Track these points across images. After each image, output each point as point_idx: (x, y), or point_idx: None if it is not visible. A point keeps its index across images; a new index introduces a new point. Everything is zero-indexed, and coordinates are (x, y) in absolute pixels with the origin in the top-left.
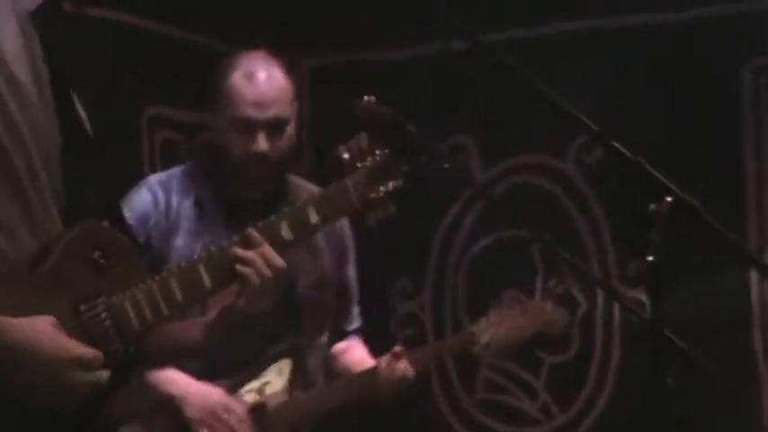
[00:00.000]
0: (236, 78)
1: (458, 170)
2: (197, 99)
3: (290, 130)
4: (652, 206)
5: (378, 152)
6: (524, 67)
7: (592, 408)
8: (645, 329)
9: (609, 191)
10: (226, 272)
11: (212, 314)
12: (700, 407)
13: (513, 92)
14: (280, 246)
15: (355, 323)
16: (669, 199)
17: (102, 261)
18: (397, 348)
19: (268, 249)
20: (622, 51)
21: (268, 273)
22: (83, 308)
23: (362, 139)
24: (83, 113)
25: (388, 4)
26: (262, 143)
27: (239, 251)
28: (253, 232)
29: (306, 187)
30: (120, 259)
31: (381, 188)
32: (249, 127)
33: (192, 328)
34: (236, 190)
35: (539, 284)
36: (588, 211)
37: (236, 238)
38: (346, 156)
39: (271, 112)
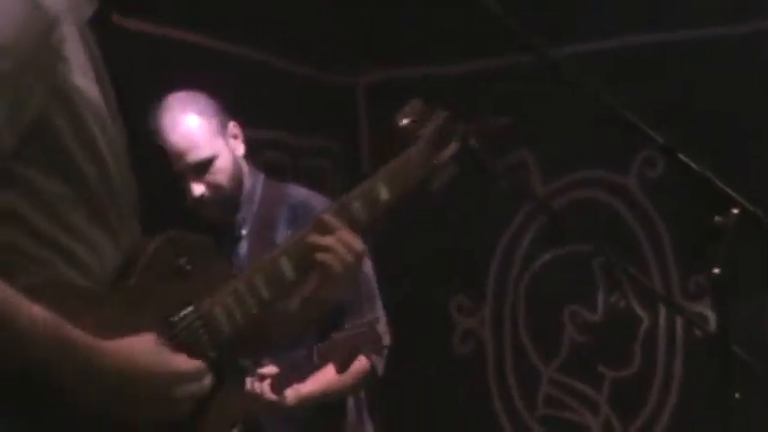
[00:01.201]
0: (161, 132)
1: (518, 185)
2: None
3: (220, 161)
4: (717, 218)
5: (434, 116)
6: (588, 80)
7: (655, 423)
8: (709, 344)
9: (671, 204)
10: (306, 261)
11: (293, 305)
12: (766, 423)
13: (574, 105)
14: (355, 227)
15: None
16: (735, 211)
17: (187, 267)
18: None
19: (345, 233)
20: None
21: (349, 258)
22: (175, 319)
23: (417, 104)
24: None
25: (445, 19)
26: (195, 189)
27: (317, 238)
28: (327, 217)
29: (281, 192)
30: (204, 262)
31: (443, 152)
32: (180, 176)
33: (272, 322)
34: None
35: (600, 300)
36: (650, 226)
37: (310, 226)
38: (404, 122)
39: (190, 159)
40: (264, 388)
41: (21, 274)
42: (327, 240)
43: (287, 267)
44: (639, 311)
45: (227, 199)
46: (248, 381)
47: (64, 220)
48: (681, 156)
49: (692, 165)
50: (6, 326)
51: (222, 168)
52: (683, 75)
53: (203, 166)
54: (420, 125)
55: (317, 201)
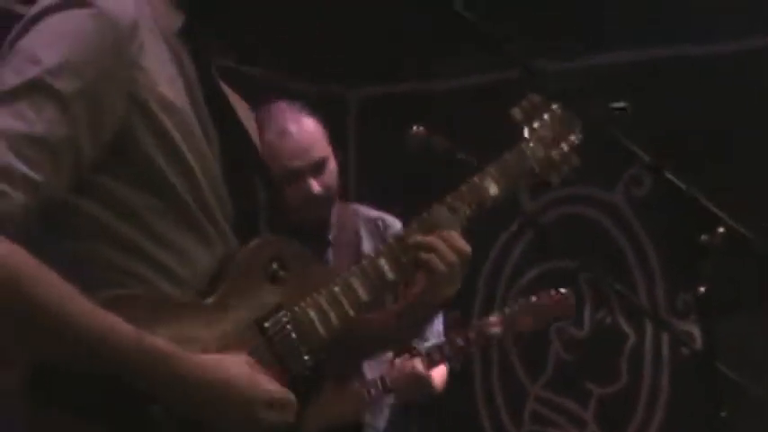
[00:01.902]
0: (271, 136)
1: (506, 200)
2: None
3: (332, 163)
4: (704, 237)
5: (551, 108)
6: (576, 96)
7: None
8: (696, 361)
9: (658, 222)
10: (409, 261)
11: (397, 308)
12: None
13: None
14: (459, 227)
15: None
16: (721, 230)
17: (280, 272)
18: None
19: (449, 233)
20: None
21: (453, 257)
22: (267, 324)
23: (534, 97)
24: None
25: (435, 34)
26: (314, 187)
27: (419, 237)
28: (432, 215)
29: (350, 208)
30: (298, 268)
31: (563, 144)
32: (298, 175)
33: (373, 325)
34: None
35: (586, 316)
36: (637, 243)
37: (414, 225)
38: (520, 117)
39: (313, 156)
40: (416, 364)
41: (111, 285)
42: (430, 239)
43: (386, 268)
44: (626, 328)
45: (331, 200)
46: (397, 360)
47: (150, 230)
48: (667, 174)
49: (679, 183)
50: (90, 339)
51: (332, 170)
52: (673, 91)
53: (322, 165)
54: (534, 119)
55: (389, 218)
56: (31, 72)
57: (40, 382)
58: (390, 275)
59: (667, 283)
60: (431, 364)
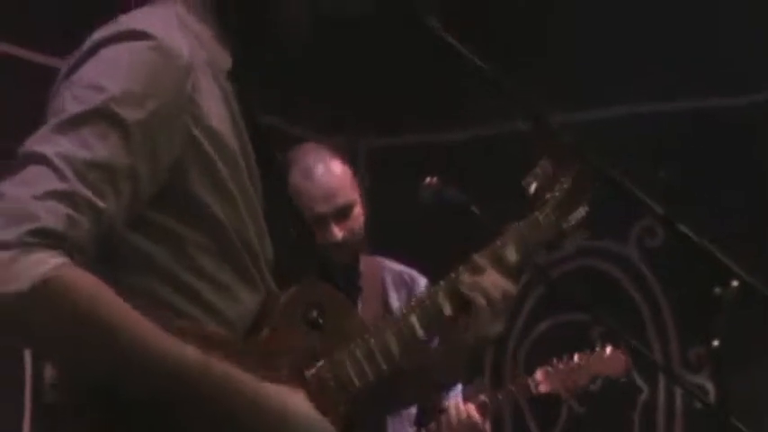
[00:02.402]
0: (296, 177)
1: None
2: None
3: (358, 209)
4: (717, 290)
5: (563, 179)
6: (587, 148)
7: None
8: (709, 416)
9: (672, 274)
10: (438, 317)
11: (441, 348)
12: None
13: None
14: (506, 270)
15: None
16: (735, 283)
17: (319, 320)
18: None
19: (494, 273)
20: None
21: (496, 294)
22: (308, 373)
23: (547, 166)
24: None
25: (444, 85)
26: (336, 233)
27: (467, 277)
28: (477, 258)
29: (376, 261)
30: (336, 316)
31: (571, 216)
32: (320, 220)
33: (409, 375)
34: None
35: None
36: (650, 295)
37: (461, 267)
38: (534, 186)
39: (337, 202)
40: (471, 410)
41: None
42: (476, 278)
43: (417, 326)
44: (639, 382)
45: (357, 246)
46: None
47: (198, 268)
48: (680, 226)
49: (692, 236)
50: (158, 364)
51: (358, 216)
52: (681, 144)
53: (347, 211)
54: (549, 188)
55: (415, 273)
56: (96, 100)
57: (101, 402)
58: (420, 332)
59: (680, 337)
60: (484, 413)
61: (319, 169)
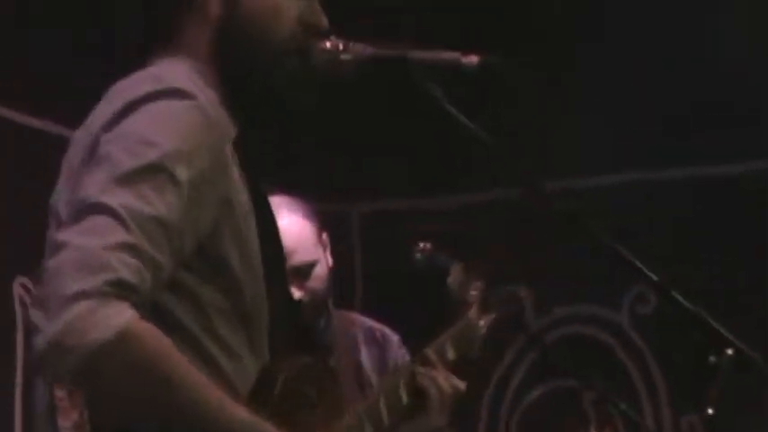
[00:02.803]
0: None
1: (510, 319)
2: None
3: (320, 269)
4: (712, 358)
5: (474, 283)
6: (581, 214)
7: None
8: None
9: (664, 341)
10: (415, 388)
11: (405, 429)
12: None
13: (567, 239)
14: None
15: None
16: (730, 351)
17: (315, 399)
18: None
19: (442, 369)
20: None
21: (447, 388)
22: None
23: (457, 271)
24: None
25: (441, 152)
26: (296, 293)
27: (421, 369)
28: (428, 352)
29: (348, 317)
30: (329, 397)
31: (483, 319)
32: None
33: None
34: None
35: None
36: (642, 363)
37: (415, 359)
38: (454, 287)
39: (296, 261)
40: None
41: None
42: (430, 372)
43: (403, 392)
44: None
45: (318, 306)
46: None
47: (215, 330)
48: (674, 293)
49: (685, 303)
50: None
51: (320, 275)
52: (673, 212)
53: (306, 271)
54: (466, 290)
55: (387, 330)
56: (151, 155)
57: None
58: (386, 419)
59: (673, 405)
60: None
61: (285, 225)
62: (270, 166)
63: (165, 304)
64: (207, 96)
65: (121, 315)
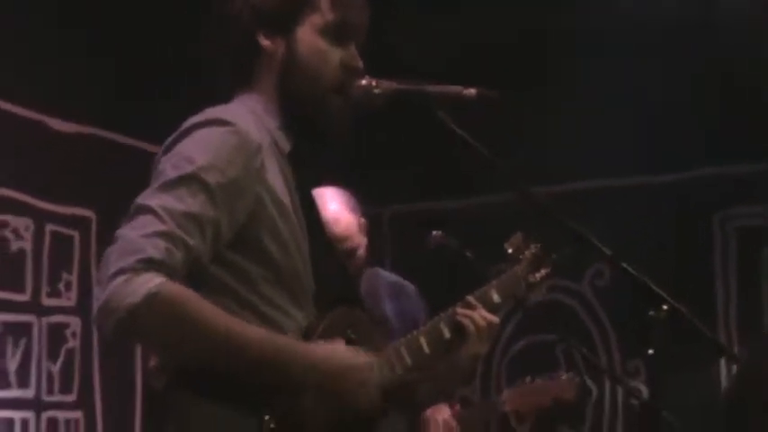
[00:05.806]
0: None
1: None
2: None
3: (361, 250)
4: (651, 312)
5: (532, 246)
6: (560, 212)
7: None
8: (644, 410)
9: (616, 303)
10: (455, 323)
11: (445, 363)
12: None
13: (547, 231)
14: (490, 308)
15: None
16: (665, 307)
17: (353, 336)
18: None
19: (482, 309)
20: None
21: (483, 323)
22: None
23: (518, 236)
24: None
25: (447, 163)
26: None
27: (461, 310)
28: (470, 297)
29: (374, 273)
30: (366, 335)
31: (537, 274)
32: None
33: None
34: None
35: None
36: (599, 321)
37: (459, 303)
38: (510, 250)
39: (345, 246)
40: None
41: None
42: (467, 311)
43: (423, 343)
44: (590, 384)
45: (359, 274)
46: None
47: (260, 291)
48: (624, 265)
49: (633, 272)
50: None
51: (361, 256)
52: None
53: (352, 253)
54: (521, 251)
55: (405, 282)
56: (188, 168)
57: (190, 383)
58: (447, 335)
59: (622, 351)
60: (458, 420)
61: (336, 216)
62: (324, 170)
63: (222, 277)
64: (265, 123)
65: (150, 282)
